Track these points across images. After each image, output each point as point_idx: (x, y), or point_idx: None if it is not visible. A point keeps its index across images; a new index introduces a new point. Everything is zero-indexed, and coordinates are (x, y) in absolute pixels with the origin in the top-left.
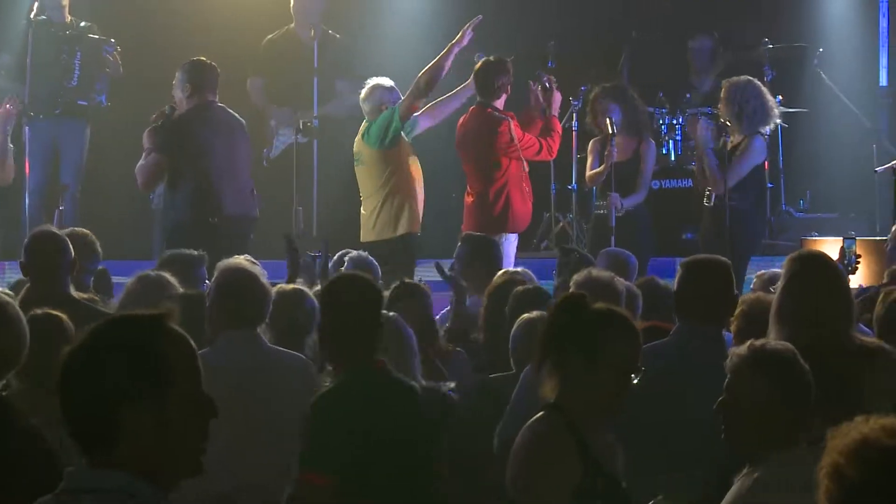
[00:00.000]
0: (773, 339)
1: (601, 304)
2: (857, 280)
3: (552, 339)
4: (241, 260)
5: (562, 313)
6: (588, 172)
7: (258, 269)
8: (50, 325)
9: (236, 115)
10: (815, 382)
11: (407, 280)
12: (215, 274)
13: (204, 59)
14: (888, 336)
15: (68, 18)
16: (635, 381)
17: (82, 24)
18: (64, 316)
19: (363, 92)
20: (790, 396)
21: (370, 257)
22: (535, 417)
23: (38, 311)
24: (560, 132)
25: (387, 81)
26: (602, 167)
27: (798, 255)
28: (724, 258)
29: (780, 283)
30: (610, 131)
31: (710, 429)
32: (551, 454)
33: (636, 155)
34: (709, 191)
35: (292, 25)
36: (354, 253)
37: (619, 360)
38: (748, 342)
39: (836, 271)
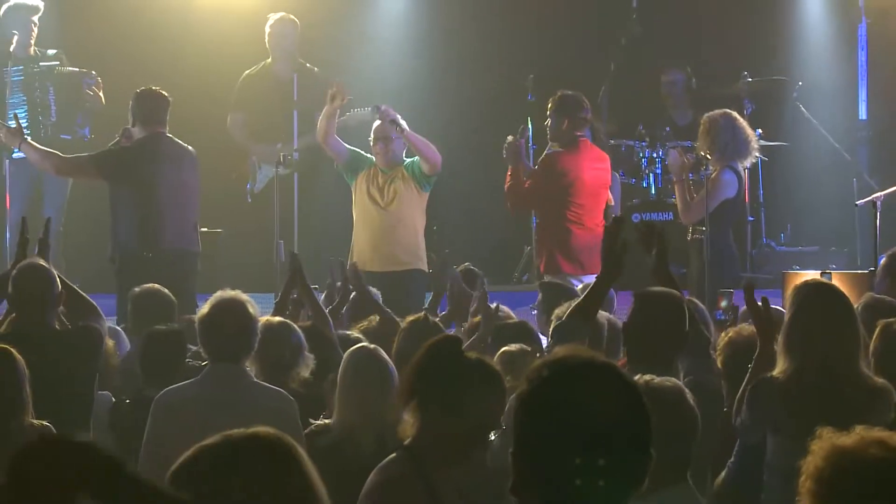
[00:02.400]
0: (780, 370)
1: (473, 353)
2: None
3: (416, 382)
4: (231, 292)
5: (431, 358)
6: None
7: (247, 302)
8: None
9: (186, 146)
10: (818, 413)
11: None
12: (205, 306)
13: (154, 88)
14: (885, 367)
15: (32, 50)
16: (492, 438)
17: (49, 51)
18: (11, 349)
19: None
20: (675, 434)
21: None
22: (387, 459)
23: None
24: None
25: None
26: None
27: (804, 285)
28: (676, 292)
29: (787, 313)
30: None
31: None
32: (398, 498)
33: None
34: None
35: (269, 60)
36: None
37: (479, 414)
38: (637, 377)
39: (843, 301)
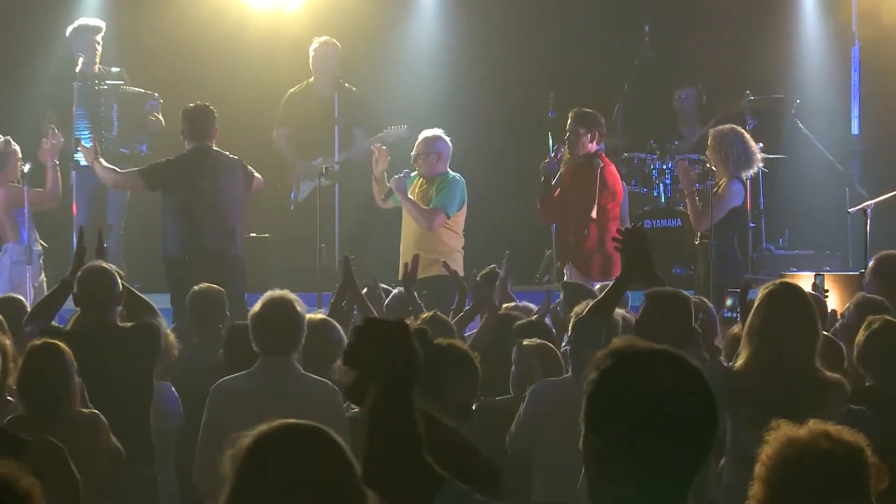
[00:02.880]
0: (742, 359)
1: (444, 340)
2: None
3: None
4: (280, 292)
5: None
6: None
7: (294, 301)
8: (46, 353)
9: (231, 157)
10: (769, 402)
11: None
12: (256, 305)
13: (200, 104)
14: (867, 358)
15: (98, 68)
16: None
17: (113, 69)
18: (62, 344)
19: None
20: None
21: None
22: None
23: (38, 341)
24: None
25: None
26: None
27: (771, 284)
28: (684, 292)
29: (752, 311)
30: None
31: None
32: None
33: None
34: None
35: (312, 80)
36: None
37: (457, 392)
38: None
39: (804, 301)
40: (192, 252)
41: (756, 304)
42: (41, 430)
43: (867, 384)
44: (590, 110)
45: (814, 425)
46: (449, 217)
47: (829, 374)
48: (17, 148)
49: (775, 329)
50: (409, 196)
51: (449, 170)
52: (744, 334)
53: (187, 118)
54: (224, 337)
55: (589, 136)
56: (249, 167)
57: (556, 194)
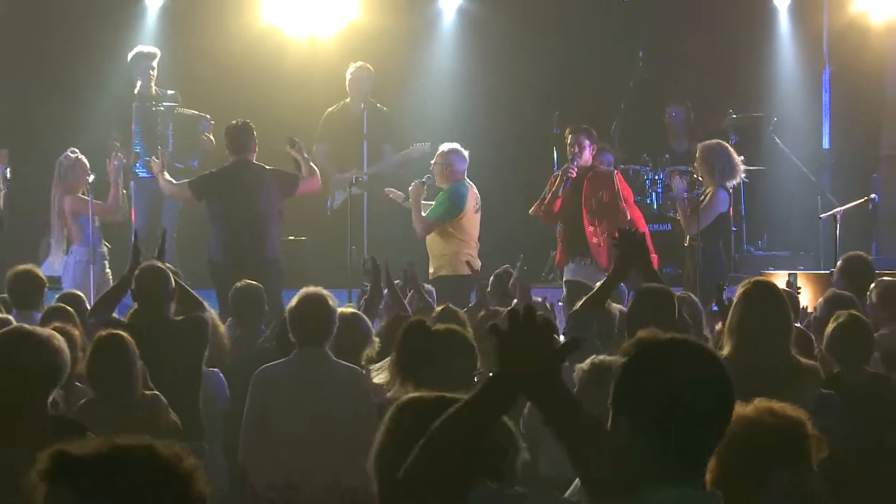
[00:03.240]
0: (723, 350)
1: (441, 326)
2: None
3: (399, 360)
4: (314, 288)
5: (409, 335)
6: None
7: (328, 296)
8: (112, 342)
9: (269, 169)
10: (748, 386)
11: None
12: (293, 300)
13: (240, 121)
14: (835, 347)
15: (154, 90)
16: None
17: (168, 92)
18: (125, 334)
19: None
20: None
21: None
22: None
23: (103, 332)
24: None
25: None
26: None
27: (748, 282)
28: (669, 289)
29: (732, 305)
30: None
31: None
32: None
33: None
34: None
35: (348, 100)
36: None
37: (459, 370)
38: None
39: (778, 298)
40: (231, 256)
41: (734, 302)
42: (109, 412)
43: (835, 371)
44: (586, 126)
45: (759, 403)
46: (432, 228)
47: (804, 360)
48: (84, 159)
49: (752, 328)
50: (419, 203)
51: (465, 179)
52: (725, 331)
53: (229, 134)
54: (275, 329)
55: (591, 147)
56: (294, 173)
57: (558, 202)
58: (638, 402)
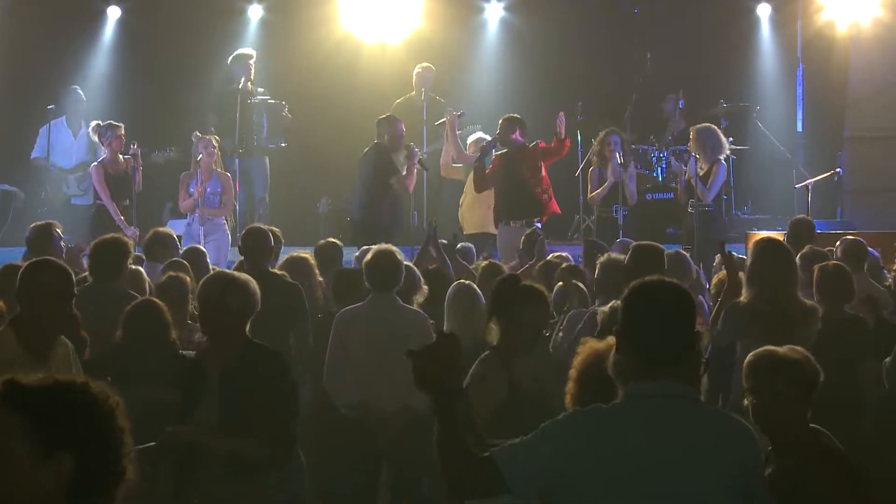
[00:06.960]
0: (744, 297)
1: (528, 281)
2: None
3: (493, 304)
4: (386, 245)
5: (501, 288)
6: (590, 195)
7: (395, 251)
8: (177, 284)
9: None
10: (767, 325)
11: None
12: (368, 254)
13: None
14: (821, 293)
15: (250, 87)
16: (547, 334)
17: (259, 89)
18: (185, 276)
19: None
20: None
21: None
22: (482, 355)
23: (172, 273)
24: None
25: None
26: (601, 188)
27: (761, 240)
28: (658, 245)
29: (749, 259)
30: (619, 160)
31: None
32: (492, 380)
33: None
34: (690, 201)
35: (412, 93)
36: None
37: (531, 321)
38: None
39: (788, 252)
40: (357, 217)
41: (752, 255)
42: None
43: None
44: (517, 115)
45: (610, 339)
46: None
47: (807, 301)
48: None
49: (770, 278)
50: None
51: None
52: (746, 278)
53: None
54: (333, 278)
55: (519, 131)
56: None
57: (488, 171)
58: (624, 319)
